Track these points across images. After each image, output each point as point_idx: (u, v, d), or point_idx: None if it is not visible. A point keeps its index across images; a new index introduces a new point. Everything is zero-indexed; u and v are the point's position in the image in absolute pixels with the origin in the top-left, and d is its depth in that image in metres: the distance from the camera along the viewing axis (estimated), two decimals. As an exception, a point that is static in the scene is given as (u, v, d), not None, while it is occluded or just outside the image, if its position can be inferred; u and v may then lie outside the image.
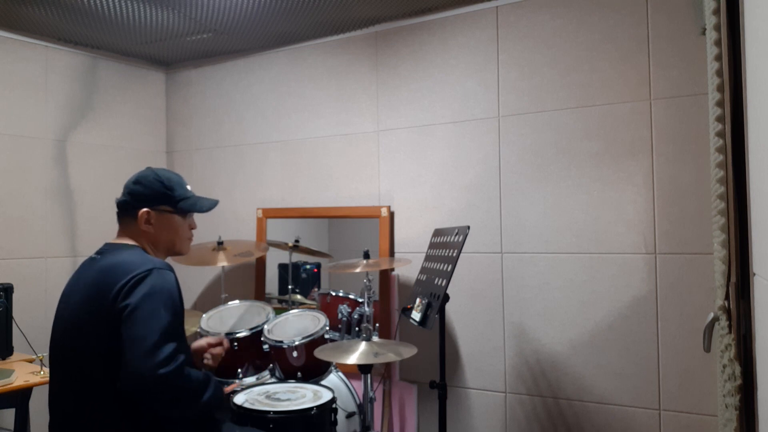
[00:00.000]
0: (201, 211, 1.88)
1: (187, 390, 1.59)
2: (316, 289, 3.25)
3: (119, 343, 1.56)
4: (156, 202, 1.81)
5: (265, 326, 2.66)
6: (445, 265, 2.23)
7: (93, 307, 1.62)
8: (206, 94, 3.70)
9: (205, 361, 1.97)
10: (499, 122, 2.77)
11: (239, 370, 2.58)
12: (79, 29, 3.11)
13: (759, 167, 1.03)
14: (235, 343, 2.58)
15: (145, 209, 1.79)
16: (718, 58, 1.29)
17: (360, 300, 2.80)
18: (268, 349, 2.57)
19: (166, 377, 1.50)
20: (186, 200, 1.85)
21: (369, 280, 2.67)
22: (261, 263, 3.38)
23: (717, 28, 1.32)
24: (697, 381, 2.35)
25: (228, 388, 2.21)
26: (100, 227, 3.37)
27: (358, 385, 2.53)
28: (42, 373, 2.44)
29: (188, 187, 1.89)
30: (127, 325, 1.55)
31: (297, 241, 3.20)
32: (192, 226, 1.91)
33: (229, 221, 3.51)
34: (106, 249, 1.77)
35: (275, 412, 2.11)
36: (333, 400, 2.24)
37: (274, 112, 3.44)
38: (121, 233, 1.83)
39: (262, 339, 2.59)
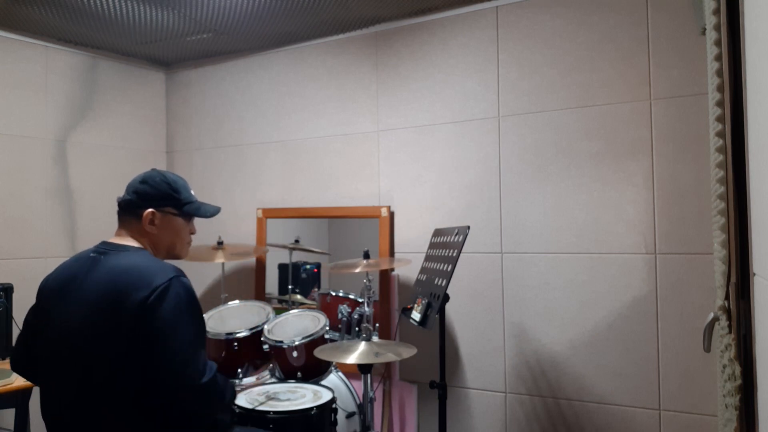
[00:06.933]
0: (204, 216, 1.89)
1: (220, 393, 1.66)
2: (316, 289, 3.25)
3: (130, 349, 1.56)
4: (162, 203, 1.80)
5: (265, 326, 2.66)
6: (445, 265, 2.23)
7: (107, 311, 1.58)
8: (206, 94, 3.70)
9: None
10: (499, 122, 2.77)
11: (239, 370, 2.58)
12: (79, 29, 3.11)
13: (759, 167, 1.03)
14: (235, 343, 2.58)
15: (150, 209, 1.77)
16: (718, 58, 1.29)
17: (360, 300, 2.80)
18: (268, 349, 2.57)
19: (207, 385, 1.58)
20: (191, 204, 1.86)
21: (369, 280, 2.67)
22: (261, 263, 3.38)
23: (717, 28, 1.32)
24: (697, 381, 2.35)
25: None
26: (100, 227, 3.36)
27: (358, 385, 2.53)
28: (42, 373, 2.44)
29: (192, 192, 1.90)
30: (161, 341, 1.56)
31: (297, 241, 3.21)
32: (192, 231, 1.91)
33: (229, 221, 3.51)
34: (109, 249, 1.72)
35: (275, 412, 2.12)
36: (333, 400, 2.24)
37: (274, 112, 3.44)
38: (122, 233, 1.80)
39: (262, 339, 2.59)
